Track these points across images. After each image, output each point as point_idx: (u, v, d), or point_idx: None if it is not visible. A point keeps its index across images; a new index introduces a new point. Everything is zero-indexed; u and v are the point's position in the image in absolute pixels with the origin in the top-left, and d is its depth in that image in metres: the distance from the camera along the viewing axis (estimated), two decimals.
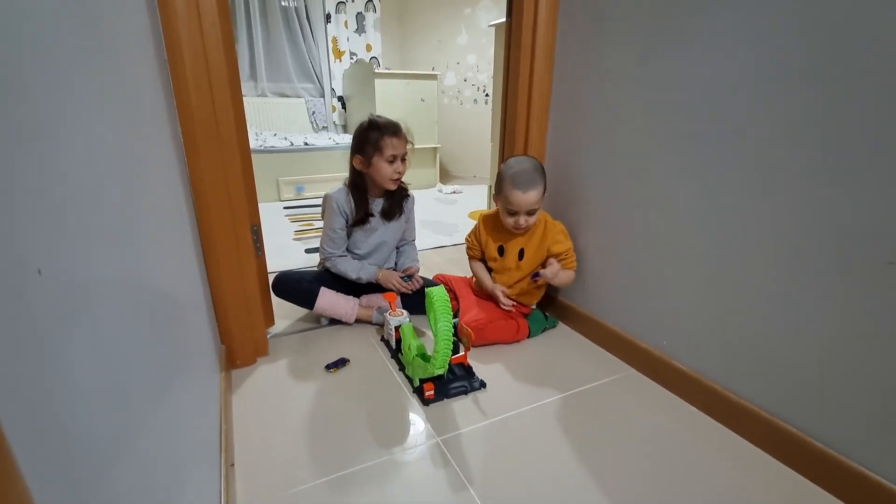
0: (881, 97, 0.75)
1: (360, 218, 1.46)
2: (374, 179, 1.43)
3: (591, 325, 1.44)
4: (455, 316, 1.50)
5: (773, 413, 0.98)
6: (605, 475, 0.93)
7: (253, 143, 3.39)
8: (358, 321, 1.51)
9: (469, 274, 1.63)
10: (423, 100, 3.79)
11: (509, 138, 1.54)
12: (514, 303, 1.44)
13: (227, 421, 1.01)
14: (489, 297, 1.49)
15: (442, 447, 1.00)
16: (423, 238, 2.49)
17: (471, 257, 1.57)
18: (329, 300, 1.47)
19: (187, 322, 0.78)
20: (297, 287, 1.48)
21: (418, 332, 1.41)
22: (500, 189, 1.36)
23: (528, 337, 1.45)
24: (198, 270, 1.02)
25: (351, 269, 1.48)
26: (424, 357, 1.15)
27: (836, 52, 0.79)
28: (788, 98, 0.87)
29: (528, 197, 1.31)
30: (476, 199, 3.51)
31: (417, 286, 1.49)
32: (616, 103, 1.24)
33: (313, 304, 1.46)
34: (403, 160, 1.42)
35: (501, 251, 1.46)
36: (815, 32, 0.82)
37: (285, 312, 1.57)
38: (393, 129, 1.39)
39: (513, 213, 1.35)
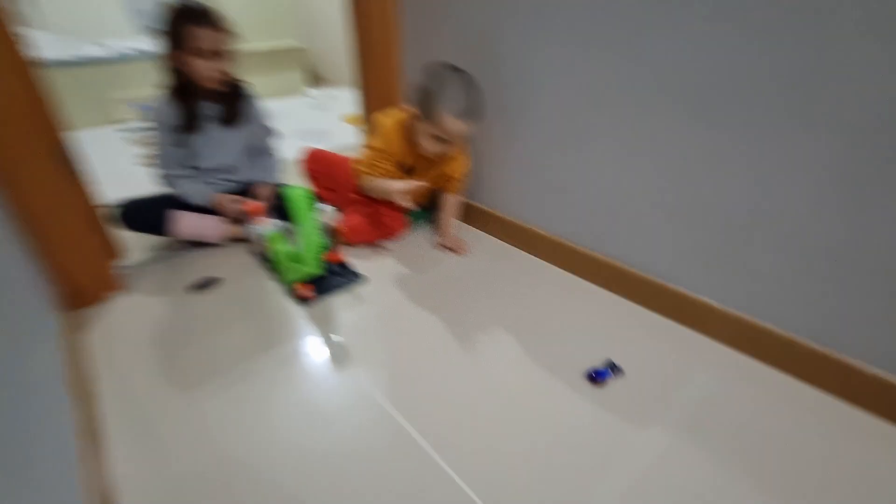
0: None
1: (188, 123, 1.26)
2: (199, 82, 1.22)
3: (474, 213, 1.49)
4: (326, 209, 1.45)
5: (631, 265, 1.13)
6: (495, 344, 1.03)
7: (60, 54, 2.75)
8: (232, 241, 1.40)
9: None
10: None
11: (362, 30, 1.41)
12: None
13: (76, 359, 0.92)
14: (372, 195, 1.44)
15: (326, 337, 1.02)
16: (295, 146, 2.31)
17: (364, 174, 1.35)
18: (189, 222, 1.33)
19: None
20: (149, 214, 1.30)
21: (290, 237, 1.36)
22: (427, 110, 1.17)
23: (411, 230, 1.47)
24: None
25: (187, 190, 1.32)
26: (296, 259, 1.13)
27: None
28: None
29: (464, 127, 1.17)
30: (351, 102, 3.29)
31: (262, 209, 1.30)
32: None
33: (168, 230, 1.31)
34: (222, 55, 1.20)
35: (408, 170, 1.35)
36: None
37: (145, 243, 1.40)
38: (199, 16, 1.16)
39: (440, 141, 1.22)
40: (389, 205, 1.40)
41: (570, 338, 1.01)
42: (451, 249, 1.36)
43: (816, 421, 0.81)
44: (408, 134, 1.28)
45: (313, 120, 2.88)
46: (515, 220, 1.34)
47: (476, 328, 1.04)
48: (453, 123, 1.14)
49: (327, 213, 1.51)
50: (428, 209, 1.51)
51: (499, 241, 1.41)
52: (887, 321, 0.76)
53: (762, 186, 0.83)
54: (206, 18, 1.16)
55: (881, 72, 0.67)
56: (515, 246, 1.37)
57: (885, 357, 0.78)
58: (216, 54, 1.19)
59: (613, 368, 0.90)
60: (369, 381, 0.90)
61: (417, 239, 1.45)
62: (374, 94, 1.59)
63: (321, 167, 1.50)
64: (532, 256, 1.32)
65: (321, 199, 1.50)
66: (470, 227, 1.49)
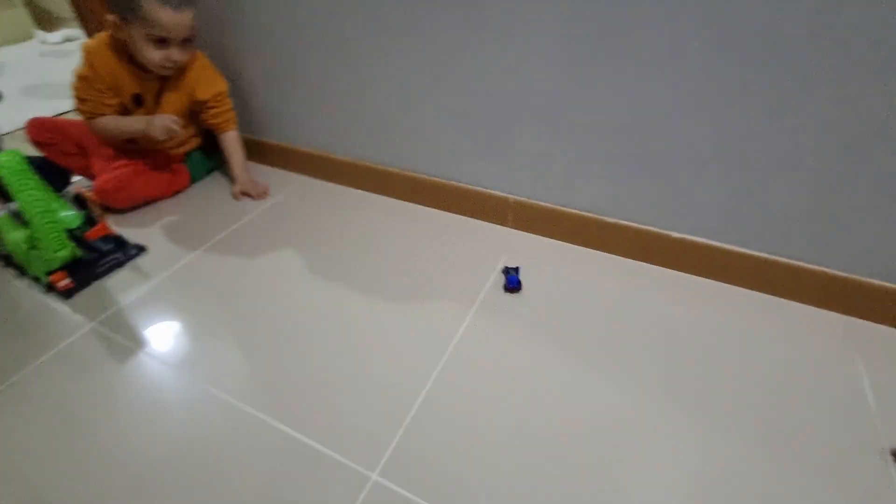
0: None
1: None
2: None
3: (256, 147, 1.34)
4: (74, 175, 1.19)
5: (411, 169, 1.13)
6: (299, 283, 0.96)
7: None
8: None
9: None
10: None
11: None
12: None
13: None
14: (136, 146, 1.19)
15: (100, 329, 0.85)
16: (27, 110, 1.80)
17: (91, 118, 1.10)
18: None
19: None
20: None
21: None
22: (131, 11, 0.95)
23: (193, 183, 1.28)
24: None
25: None
26: (37, 244, 0.90)
27: None
28: None
29: (182, 17, 0.98)
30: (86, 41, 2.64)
31: None
32: None
33: None
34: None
35: (139, 101, 1.11)
36: None
37: None
38: None
39: (161, 43, 0.99)
40: (156, 153, 1.20)
41: (414, 263, 1.01)
42: (248, 195, 1.22)
43: (687, 300, 0.95)
44: (121, 51, 1.04)
45: (47, 71, 2.26)
46: (313, 149, 1.25)
47: (294, 277, 0.97)
48: (164, 13, 0.95)
49: (80, 184, 1.23)
50: (209, 155, 1.31)
51: (303, 176, 1.31)
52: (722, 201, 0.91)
53: (519, 76, 0.88)
54: None
55: None
56: (321, 178, 1.29)
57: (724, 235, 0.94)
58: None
59: (509, 271, 0.92)
60: (166, 360, 0.79)
61: (205, 189, 1.27)
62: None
63: (52, 133, 1.18)
64: (343, 187, 1.26)
65: (66, 168, 1.21)
66: (266, 166, 1.36)
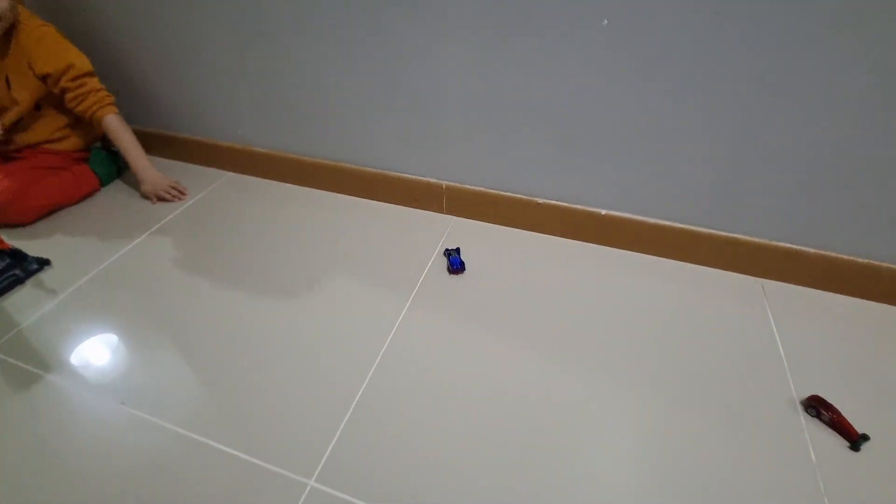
0: None
1: None
2: None
3: (167, 141, 1.25)
4: None
5: (336, 159, 1.09)
6: (218, 287, 0.91)
7: None
8: None
9: None
10: None
11: None
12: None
13: None
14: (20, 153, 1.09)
15: (8, 351, 0.77)
16: None
17: None
18: None
19: None
20: None
21: None
22: None
23: (102, 186, 1.17)
24: None
25: None
26: None
27: None
28: None
29: None
30: None
31: None
32: None
33: None
34: None
35: None
36: None
37: None
38: None
39: None
40: (45, 155, 1.09)
41: (348, 255, 0.97)
42: (162, 199, 1.12)
43: (618, 272, 0.96)
44: None
45: None
46: (232, 143, 1.17)
47: (218, 280, 0.92)
48: None
49: None
50: (112, 152, 1.19)
51: (223, 171, 1.23)
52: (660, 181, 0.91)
53: (438, 61, 0.86)
54: None
55: None
56: (243, 173, 1.22)
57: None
58: None
59: (450, 253, 0.92)
60: (92, 385, 0.73)
61: (117, 191, 1.17)
62: None
63: None
64: (266, 180, 1.20)
65: None
66: (181, 162, 1.26)
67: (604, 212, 0.93)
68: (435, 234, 1.01)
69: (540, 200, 0.97)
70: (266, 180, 1.19)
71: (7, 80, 1.01)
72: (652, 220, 0.91)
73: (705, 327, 0.80)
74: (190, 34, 1.02)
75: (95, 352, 0.78)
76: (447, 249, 0.94)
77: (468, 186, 1.01)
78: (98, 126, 1.09)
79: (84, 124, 1.13)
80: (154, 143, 1.25)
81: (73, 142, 1.13)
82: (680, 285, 0.88)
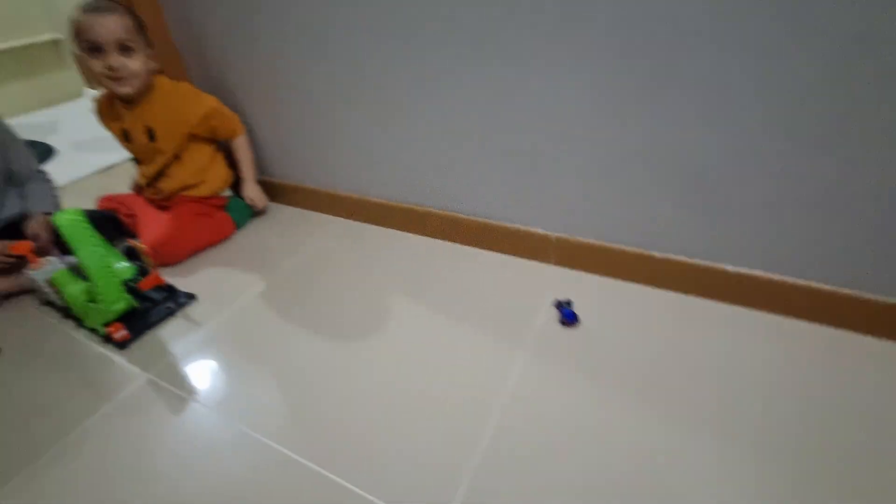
0: None
1: None
2: None
3: (292, 192, 1.38)
4: (135, 237, 1.25)
5: (444, 208, 1.14)
6: (336, 327, 0.96)
7: None
8: (7, 297, 1.11)
9: None
10: None
11: None
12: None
13: None
14: (173, 204, 1.27)
15: (155, 379, 0.87)
16: (80, 163, 1.91)
17: None
18: None
19: None
20: None
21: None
22: (73, 36, 1.05)
23: (238, 230, 1.31)
24: None
25: None
26: (95, 297, 0.93)
27: None
28: None
29: (106, 21, 1.03)
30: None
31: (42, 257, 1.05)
32: None
33: None
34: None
35: (127, 136, 1.21)
36: None
37: None
38: None
39: (96, 51, 1.05)
40: (193, 203, 1.26)
41: (457, 302, 1.00)
42: (253, 205, 1.34)
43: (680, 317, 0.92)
44: (110, 99, 1.19)
45: (95, 126, 2.39)
46: (346, 192, 1.28)
47: (340, 321, 0.98)
48: (86, 17, 1.03)
49: (136, 240, 1.28)
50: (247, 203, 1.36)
51: (339, 218, 1.33)
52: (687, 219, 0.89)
53: (552, 112, 0.89)
54: None
55: None
56: (358, 220, 1.31)
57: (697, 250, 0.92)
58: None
59: (561, 306, 0.91)
60: (219, 409, 0.79)
61: (250, 235, 1.30)
62: None
63: (111, 203, 1.31)
64: (380, 227, 1.27)
65: (126, 227, 1.27)
66: (301, 209, 1.39)
67: (731, 268, 0.88)
68: (544, 286, 1.00)
69: (658, 255, 0.94)
70: (381, 228, 1.26)
71: (150, 132, 1.18)
72: (791, 280, 0.84)
73: (843, 398, 0.71)
74: (301, 89, 1.15)
75: (232, 380, 0.85)
76: (558, 301, 0.93)
77: (580, 239, 1.00)
78: (231, 144, 1.29)
79: (215, 170, 1.30)
80: (273, 190, 1.39)
81: (208, 187, 1.29)
82: (818, 352, 0.79)
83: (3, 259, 1.06)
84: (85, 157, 1.99)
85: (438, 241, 1.18)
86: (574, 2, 0.76)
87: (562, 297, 0.96)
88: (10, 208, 1.14)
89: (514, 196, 1.03)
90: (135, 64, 1.08)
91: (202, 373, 0.87)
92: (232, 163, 1.34)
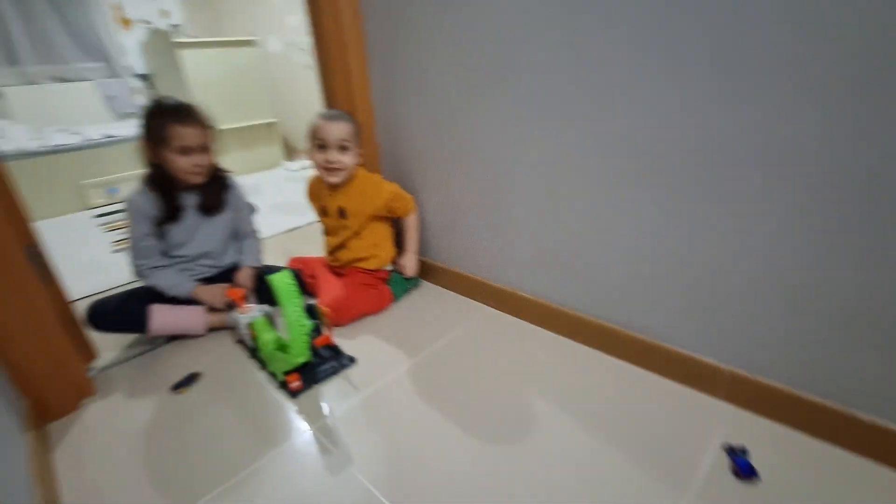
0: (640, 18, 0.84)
1: (167, 215, 1.23)
2: (172, 173, 1.21)
3: (447, 275, 1.48)
4: (314, 297, 1.43)
5: (599, 317, 1.12)
6: (478, 415, 0.98)
7: (29, 144, 2.74)
8: (213, 330, 1.35)
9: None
10: (245, 71, 3.40)
11: (331, 99, 1.46)
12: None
13: (45, 485, 0.83)
14: (346, 272, 1.45)
15: (318, 435, 0.95)
16: (273, 222, 2.30)
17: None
18: (167, 317, 1.27)
19: None
20: (121, 314, 1.24)
21: (276, 323, 1.31)
22: (309, 134, 1.34)
23: (394, 301, 1.44)
24: None
25: (165, 283, 1.27)
26: (283, 348, 1.08)
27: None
28: (578, 34, 0.93)
29: (335, 126, 1.30)
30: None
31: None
32: (428, 51, 1.23)
33: (145, 328, 1.25)
34: (203, 150, 1.20)
35: (325, 211, 1.46)
36: None
37: (114, 338, 1.32)
38: (180, 114, 1.16)
39: (322, 147, 1.31)
40: (364, 274, 1.43)
41: (609, 423, 0.97)
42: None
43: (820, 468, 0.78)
44: (319, 181, 1.43)
45: (291, 192, 2.89)
46: (500, 284, 1.33)
47: (485, 408, 0.99)
48: (320, 123, 1.30)
49: (313, 299, 1.48)
50: (410, 277, 1.50)
51: (487, 307, 1.39)
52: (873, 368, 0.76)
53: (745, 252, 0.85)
54: (188, 116, 1.17)
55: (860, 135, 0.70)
56: (507, 312, 1.34)
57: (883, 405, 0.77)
58: (198, 150, 1.19)
59: (734, 454, 0.82)
60: (372, 481, 0.83)
61: (405, 308, 1.42)
62: None
63: (299, 263, 1.56)
64: (527, 323, 1.29)
65: (307, 287, 1.48)
66: (453, 292, 1.48)
67: None
68: (711, 424, 0.91)
69: (864, 416, 0.80)
70: (536, 327, 1.27)
71: (342, 211, 1.40)
72: None
73: None
74: (476, 185, 1.25)
75: (386, 454, 0.89)
76: (730, 446, 0.83)
77: (759, 378, 0.90)
78: (402, 221, 1.47)
79: (384, 247, 1.47)
80: (431, 270, 1.51)
81: (377, 261, 1.45)
82: None
83: (224, 302, 1.30)
84: (279, 217, 2.40)
85: (594, 351, 1.15)
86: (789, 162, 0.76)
87: (734, 441, 0.85)
88: (230, 258, 1.42)
89: (687, 319, 0.98)
90: (347, 159, 1.33)
91: (358, 438, 0.94)
92: (397, 242, 1.51)
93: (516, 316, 1.32)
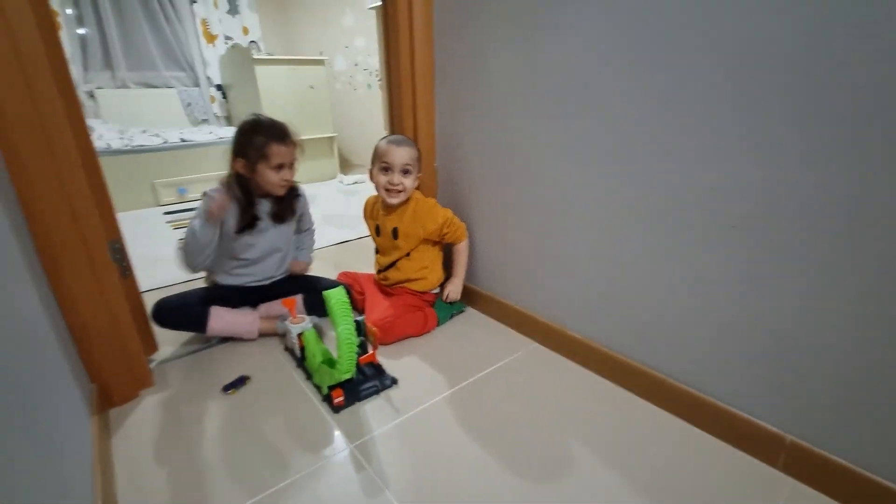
0: (734, 73, 0.83)
1: (246, 222, 1.32)
2: (260, 185, 1.31)
3: (494, 305, 1.48)
4: (362, 314, 1.46)
5: (653, 367, 1.08)
6: (517, 451, 0.96)
7: (117, 143, 2.98)
8: (262, 335, 1.40)
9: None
10: (312, 87, 3.59)
11: (397, 123, 1.51)
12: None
13: (104, 470, 0.88)
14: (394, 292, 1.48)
15: (356, 454, 0.96)
16: (326, 234, 2.38)
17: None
18: (224, 320, 1.34)
19: (10, 370, 0.65)
20: (183, 312, 1.32)
21: (325, 337, 1.35)
22: (374, 156, 1.39)
23: (438, 325, 1.45)
24: (40, 306, 0.86)
25: (192, 232, 1.25)
26: (330, 363, 1.10)
27: (689, 25, 0.86)
28: (654, 74, 0.93)
29: (400, 151, 1.34)
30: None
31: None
32: (495, 81, 1.25)
33: (204, 328, 1.32)
34: (292, 166, 1.31)
35: (378, 231, 1.49)
36: (667, 16, 0.88)
37: (172, 334, 1.40)
38: (280, 134, 1.26)
39: (386, 170, 1.35)
40: (411, 295, 1.45)
41: (657, 482, 0.94)
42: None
43: None
44: (377, 201, 1.50)
45: (344, 205, 2.99)
46: (550, 321, 1.31)
47: (525, 446, 0.98)
48: (387, 147, 1.34)
49: (360, 315, 1.51)
50: (453, 302, 1.51)
51: (534, 342, 1.37)
52: None
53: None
54: (286, 136, 1.28)
55: None
56: (552, 349, 1.32)
57: None
58: (288, 166, 1.30)
59: None
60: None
61: (449, 332, 1.42)
62: None
63: (348, 279, 1.60)
64: (576, 365, 1.26)
65: (355, 303, 1.52)
66: (501, 323, 1.47)
67: None
68: (766, 495, 0.85)
69: None
70: (578, 366, 1.25)
71: (395, 232, 1.43)
72: None
73: None
74: (527, 217, 1.25)
75: (423, 481, 0.89)
76: None
77: (823, 452, 0.84)
78: (453, 247, 1.49)
79: (433, 270, 1.48)
80: (476, 297, 1.51)
81: (425, 283, 1.47)
82: None
83: (279, 312, 1.37)
84: (330, 230, 2.48)
85: (643, 402, 1.10)
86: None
87: None
88: (286, 266, 1.49)
89: (752, 382, 0.93)
90: (409, 182, 1.36)
91: (394, 461, 0.94)
92: (446, 266, 1.53)
93: (563, 354, 1.29)
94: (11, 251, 0.78)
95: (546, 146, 1.18)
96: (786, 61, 0.75)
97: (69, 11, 3.44)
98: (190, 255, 1.27)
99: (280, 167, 1.28)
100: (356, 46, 4.10)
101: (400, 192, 1.36)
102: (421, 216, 1.41)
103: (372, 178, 1.41)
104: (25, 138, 0.87)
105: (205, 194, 1.31)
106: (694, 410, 1.02)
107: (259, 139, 1.24)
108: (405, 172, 1.35)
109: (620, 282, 1.11)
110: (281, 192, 1.33)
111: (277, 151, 1.25)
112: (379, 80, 3.97)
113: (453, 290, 1.50)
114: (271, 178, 1.27)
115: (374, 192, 1.48)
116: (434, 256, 1.50)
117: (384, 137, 1.40)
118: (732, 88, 0.82)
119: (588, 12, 1.00)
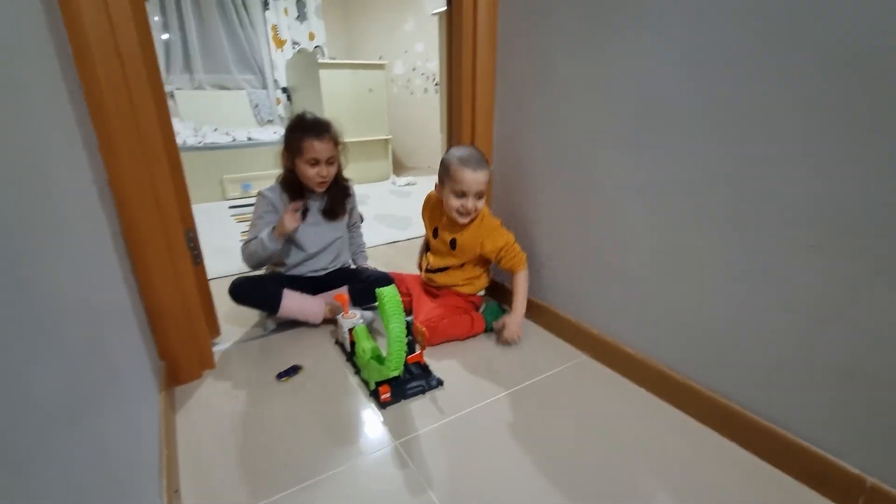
0: (817, 79, 0.78)
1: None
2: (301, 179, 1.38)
3: (545, 313, 1.45)
4: (409, 314, 1.48)
5: (717, 391, 1.02)
6: (563, 465, 0.94)
7: (192, 140, 3.20)
8: (324, 321, 1.47)
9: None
10: (371, 90, 3.69)
11: (456, 128, 1.52)
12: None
13: (169, 443, 0.94)
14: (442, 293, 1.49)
15: (400, 450, 0.97)
16: (377, 232, 2.44)
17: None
18: (296, 302, 1.41)
19: (105, 340, 0.71)
20: (259, 291, 1.40)
21: (374, 333, 1.38)
22: (445, 174, 1.33)
23: (485, 331, 1.44)
24: (124, 285, 0.93)
25: (258, 241, 1.34)
26: (379, 359, 1.12)
27: (770, 39, 0.82)
28: (726, 84, 0.88)
29: (477, 176, 1.29)
30: (430, 190, 3.48)
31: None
32: (561, 90, 1.24)
33: (277, 308, 1.39)
34: (330, 163, 1.35)
35: (436, 233, 1.48)
36: (743, 23, 0.84)
37: (233, 320, 1.49)
38: (317, 130, 1.31)
39: (461, 195, 1.32)
40: (458, 297, 1.45)
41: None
42: (502, 339, 1.36)
43: None
44: (439, 200, 1.43)
45: (395, 206, 3.05)
46: (604, 335, 1.27)
47: (573, 463, 0.95)
48: (464, 172, 1.28)
49: (408, 315, 1.53)
50: (503, 307, 1.50)
51: (584, 356, 1.33)
52: None
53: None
54: (323, 132, 1.32)
55: None
56: (605, 365, 1.28)
57: None
58: (325, 163, 1.34)
59: None
60: None
61: (493, 339, 1.41)
62: None
63: (398, 280, 1.58)
64: (630, 382, 1.22)
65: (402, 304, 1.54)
66: (551, 333, 1.44)
67: None
68: None
69: None
70: (633, 384, 1.20)
71: (453, 242, 1.41)
72: None
73: None
74: (584, 233, 1.21)
75: (464, 484, 0.88)
76: None
77: None
78: (512, 276, 1.40)
79: (480, 277, 1.48)
80: (529, 308, 1.49)
81: (471, 288, 1.47)
82: None
83: (335, 307, 1.42)
84: (381, 228, 2.54)
85: (706, 429, 1.04)
86: None
87: None
88: (342, 259, 1.55)
89: (834, 417, 0.85)
90: (481, 204, 1.36)
91: (437, 461, 0.94)
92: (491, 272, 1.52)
93: (616, 371, 1.24)
94: (103, 232, 0.86)
95: (609, 161, 1.14)
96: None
97: (156, 18, 3.74)
98: (255, 260, 1.38)
99: (315, 163, 1.32)
100: (415, 51, 4.18)
101: (468, 214, 1.35)
102: (482, 236, 1.38)
103: (439, 192, 1.39)
104: (120, 128, 0.96)
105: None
106: (767, 445, 0.93)
107: (297, 134, 1.31)
108: (478, 197, 1.33)
109: (687, 303, 1.05)
110: (318, 188, 1.37)
111: (311, 146, 1.30)
112: (436, 85, 4.03)
113: (510, 328, 1.35)
114: (307, 173, 1.33)
115: (430, 190, 1.48)
116: (483, 268, 1.48)
117: (456, 152, 1.33)
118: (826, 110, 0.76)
119: (669, 34, 0.96)
